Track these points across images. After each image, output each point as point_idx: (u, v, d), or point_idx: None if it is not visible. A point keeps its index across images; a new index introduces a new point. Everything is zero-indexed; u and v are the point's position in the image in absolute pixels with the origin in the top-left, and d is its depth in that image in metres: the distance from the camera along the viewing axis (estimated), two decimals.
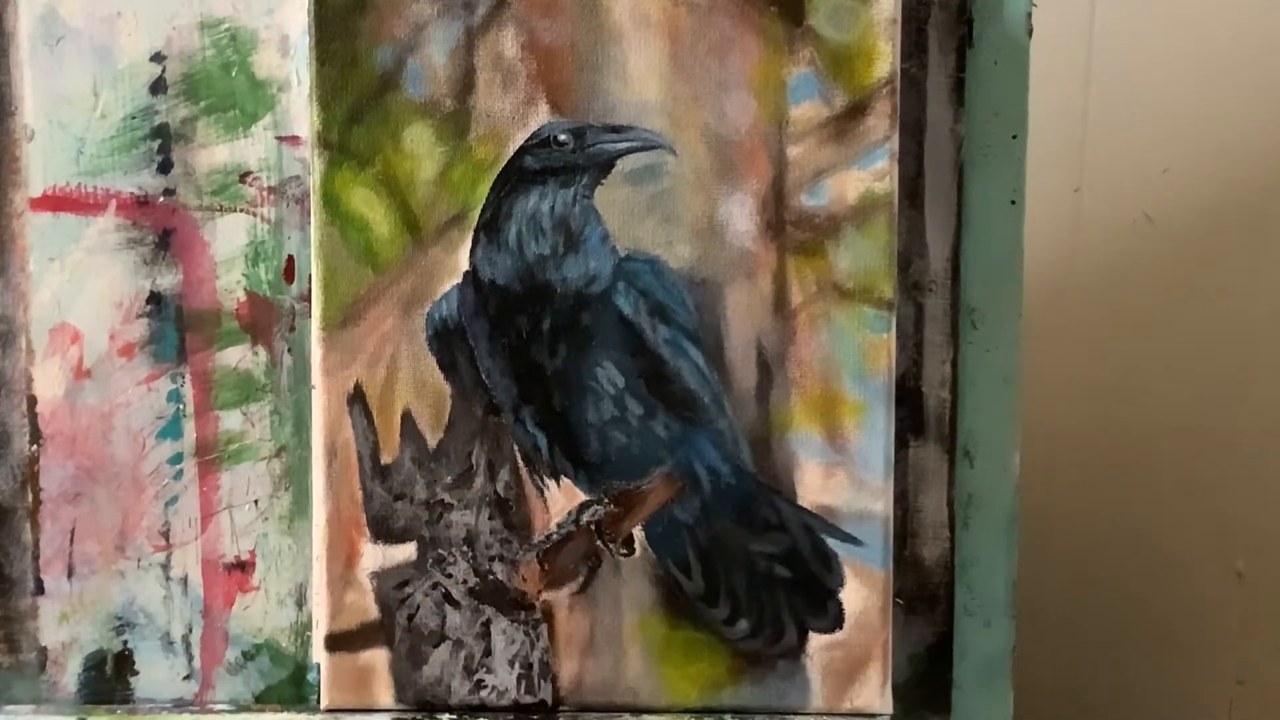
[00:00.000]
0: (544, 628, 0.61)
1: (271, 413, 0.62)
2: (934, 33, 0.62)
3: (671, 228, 0.60)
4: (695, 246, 0.60)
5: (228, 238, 0.62)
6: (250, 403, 0.62)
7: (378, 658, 0.61)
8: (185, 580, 0.62)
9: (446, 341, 0.60)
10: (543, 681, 0.61)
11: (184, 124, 0.61)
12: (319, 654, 0.61)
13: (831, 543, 0.61)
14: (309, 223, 0.60)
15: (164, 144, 0.61)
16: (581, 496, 0.61)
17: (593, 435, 0.61)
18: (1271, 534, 0.94)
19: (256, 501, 0.62)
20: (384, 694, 0.61)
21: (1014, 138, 0.62)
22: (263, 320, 0.62)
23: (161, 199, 0.62)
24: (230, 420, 0.62)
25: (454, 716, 0.61)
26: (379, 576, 0.61)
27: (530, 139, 0.60)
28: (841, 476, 0.61)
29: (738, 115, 0.60)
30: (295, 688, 0.63)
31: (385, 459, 0.60)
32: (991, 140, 0.62)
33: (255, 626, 0.63)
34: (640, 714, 0.61)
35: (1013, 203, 0.62)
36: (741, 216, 0.60)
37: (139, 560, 0.62)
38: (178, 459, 0.62)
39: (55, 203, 0.61)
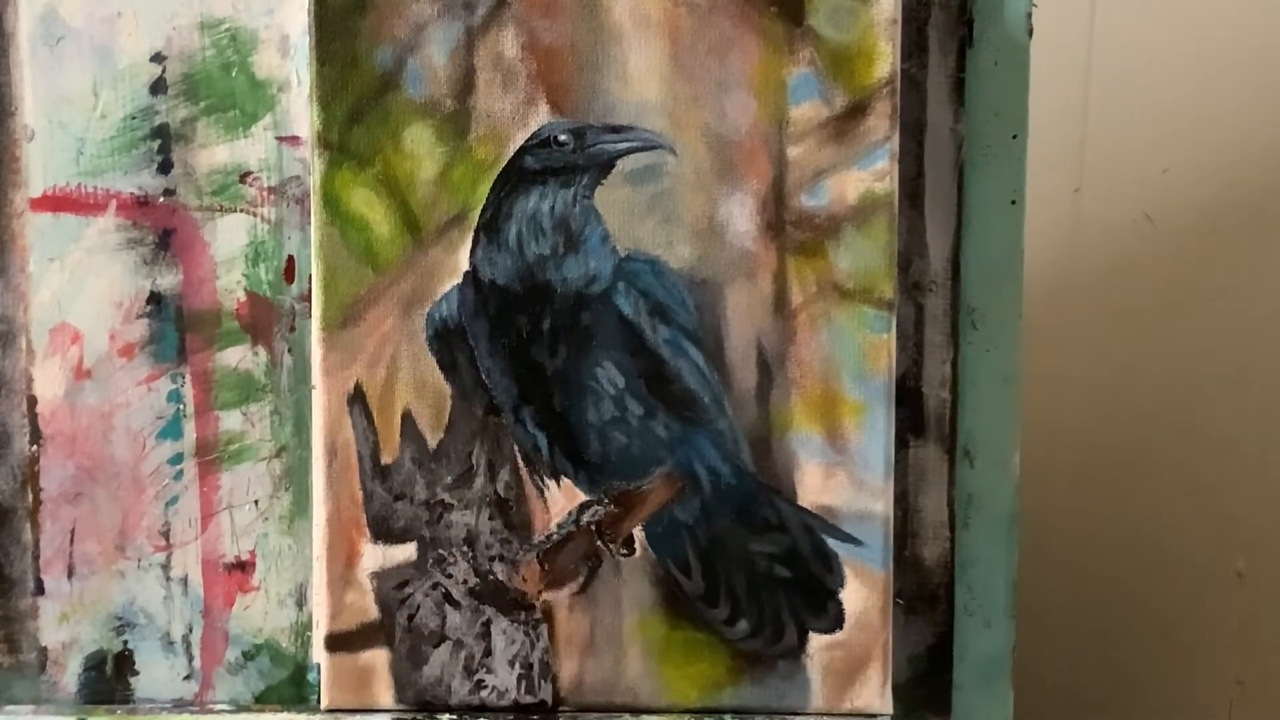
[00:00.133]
0: (544, 628, 0.61)
1: (271, 413, 0.62)
2: (934, 33, 0.62)
3: (672, 228, 0.60)
4: (695, 246, 0.60)
5: (228, 238, 0.62)
6: (250, 403, 0.62)
7: (378, 658, 0.61)
8: (185, 580, 0.62)
9: (447, 341, 0.60)
10: (543, 681, 0.61)
11: (184, 124, 0.61)
12: (319, 654, 0.61)
13: (832, 543, 0.61)
14: (309, 223, 0.60)
15: (164, 144, 0.61)
16: (581, 496, 0.61)
17: (593, 435, 0.61)
18: (1271, 534, 0.94)
19: (256, 501, 0.62)
20: (384, 694, 0.61)
21: (1014, 138, 0.62)
22: (263, 320, 0.62)
23: (161, 199, 0.62)
24: (230, 420, 0.62)
25: (454, 716, 0.61)
26: (379, 576, 0.61)
27: (530, 139, 0.60)
28: (841, 476, 0.61)
29: (738, 115, 0.60)
30: (295, 688, 0.63)
31: (385, 459, 0.60)
32: (991, 140, 0.62)
33: (255, 626, 0.63)
34: (640, 714, 0.61)
35: (1013, 203, 0.62)
36: (741, 216, 0.60)
37: (139, 560, 0.62)
38: (178, 459, 0.62)
39: (55, 203, 0.61)
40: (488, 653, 0.61)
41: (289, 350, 0.62)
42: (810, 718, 0.61)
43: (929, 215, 0.62)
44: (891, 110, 0.60)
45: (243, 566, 0.62)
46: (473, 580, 0.61)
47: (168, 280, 0.62)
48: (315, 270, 0.60)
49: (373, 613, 0.61)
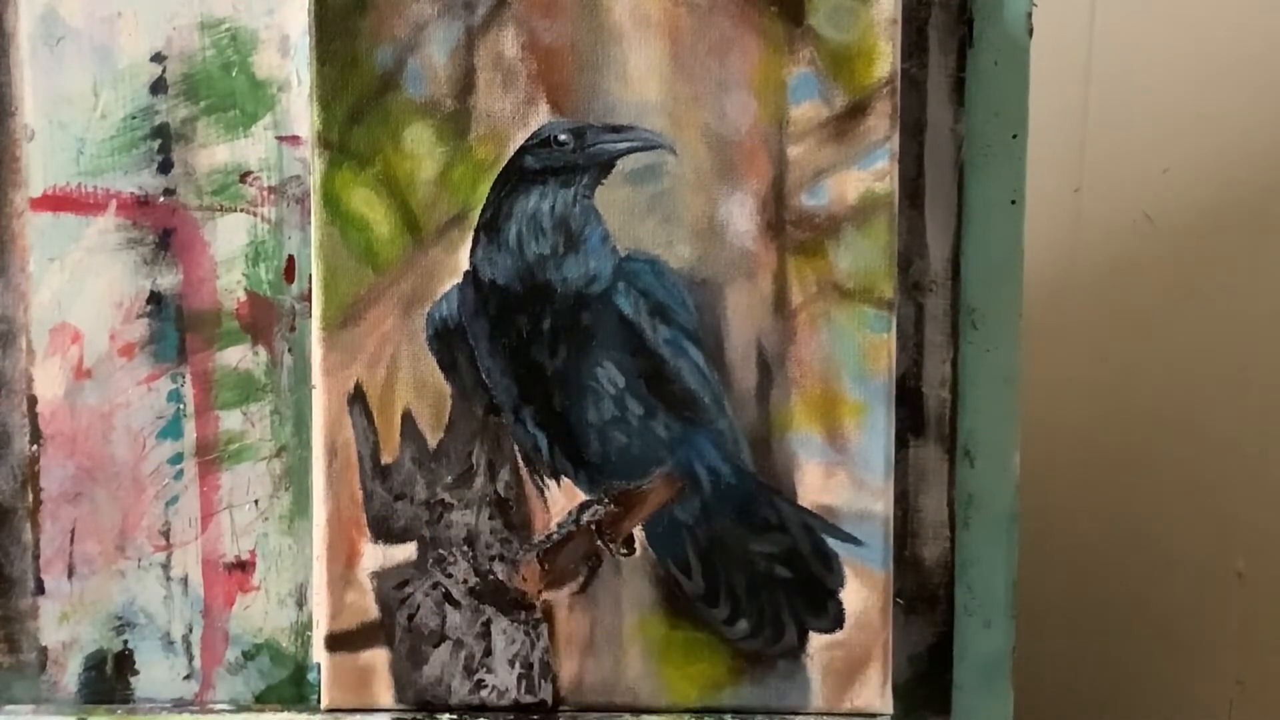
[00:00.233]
0: (544, 628, 0.61)
1: (272, 413, 0.62)
2: (934, 33, 0.62)
3: (672, 228, 0.60)
4: (695, 246, 0.60)
5: (228, 238, 0.62)
6: (250, 403, 0.62)
7: (378, 658, 0.61)
8: (185, 580, 0.62)
9: (447, 341, 0.60)
10: (543, 681, 0.61)
11: (184, 124, 0.61)
12: (319, 654, 0.61)
13: (832, 543, 0.61)
14: (309, 223, 0.60)
15: (164, 144, 0.61)
16: (581, 496, 0.61)
17: (593, 435, 0.61)
18: (1271, 534, 0.94)
19: (257, 501, 0.62)
20: (384, 694, 0.61)
21: (1014, 138, 0.62)
22: (263, 320, 0.62)
23: (161, 199, 0.62)
24: (230, 420, 0.62)
25: (454, 716, 0.61)
26: (379, 576, 0.61)
27: (530, 139, 0.60)
28: (841, 476, 0.61)
29: (738, 115, 0.60)
30: (295, 688, 0.63)
31: (385, 459, 0.60)
32: (991, 140, 0.62)
33: (255, 626, 0.63)
34: (640, 714, 0.61)
35: (1013, 203, 0.62)
36: (741, 216, 0.60)
37: (139, 560, 0.62)
38: (178, 459, 0.62)
39: (55, 203, 0.61)
40: (488, 652, 0.61)
41: (289, 350, 0.62)
42: (810, 718, 0.61)
43: (929, 215, 0.62)
44: (891, 110, 0.60)
45: (243, 566, 0.62)
46: (473, 580, 0.61)
47: (168, 280, 0.62)
48: (315, 270, 0.60)
49: (373, 612, 0.61)
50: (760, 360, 0.61)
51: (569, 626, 0.61)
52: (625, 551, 0.61)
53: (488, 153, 0.60)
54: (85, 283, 0.62)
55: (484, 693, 0.61)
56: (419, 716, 0.61)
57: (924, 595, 0.63)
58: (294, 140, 0.61)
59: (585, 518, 0.61)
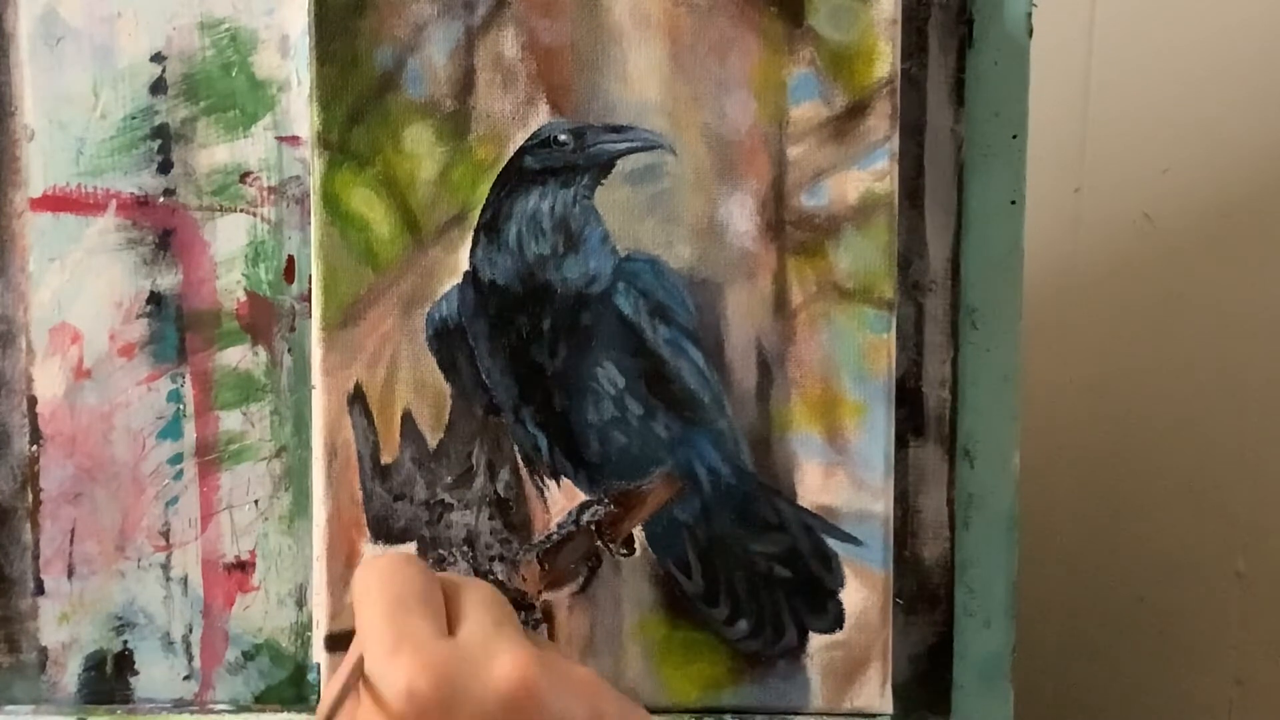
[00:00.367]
0: (544, 628, 0.61)
1: (271, 413, 0.62)
2: (934, 33, 0.62)
3: (671, 228, 0.60)
4: (695, 246, 0.60)
5: (228, 238, 0.62)
6: (250, 403, 0.62)
7: None
8: (185, 580, 0.62)
9: (446, 341, 0.60)
10: None
11: (184, 124, 0.61)
12: (319, 654, 0.61)
13: (831, 543, 0.61)
14: (309, 223, 0.60)
15: (164, 144, 0.61)
16: (581, 496, 0.61)
17: (593, 435, 0.61)
18: (1271, 534, 0.94)
19: (256, 501, 0.62)
20: None
21: (1014, 138, 0.62)
22: (263, 320, 0.62)
23: (161, 199, 0.62)
24: (230, 420, 0.62)
25: None
26: None
27: (530, 139, 0.60)
28: (841, 476, 0.61)
29: (738, 115, 0.60)
30: (295, 688, 0.63)
31: (385, 459, 0.60)
32: (991, 140, 0.62)
33: (255, 626, 0.63)
34: None
35: (1013, 203, 0.62)
36: (741, 216, 0.60)
37: (139, 560, 0.62)
38: (178, 459, 0.62)
39: (55, 203, 0.61)
40: None
41: (289, 350, 0.62)
42: (810, 717, 0.61)
43: (929, 215, 0.62)
44: (891, 110, 0.60)
45: (243, 566, 0.62)
46: None
47: (168, 280, 0.62)
48: (315, 270, 0.60)
49: None
50: (760, 360, 0.61)
51: (569, 627, 0.61)
52: (625, 552, 0.61)
53: (488, 153, 0.60)
54: (85, 283, 0.62)
55: None
56: None
57: (924, 595, 0.63)
58: (294, 140, 0.61)
59: (585, 518, 0.61)
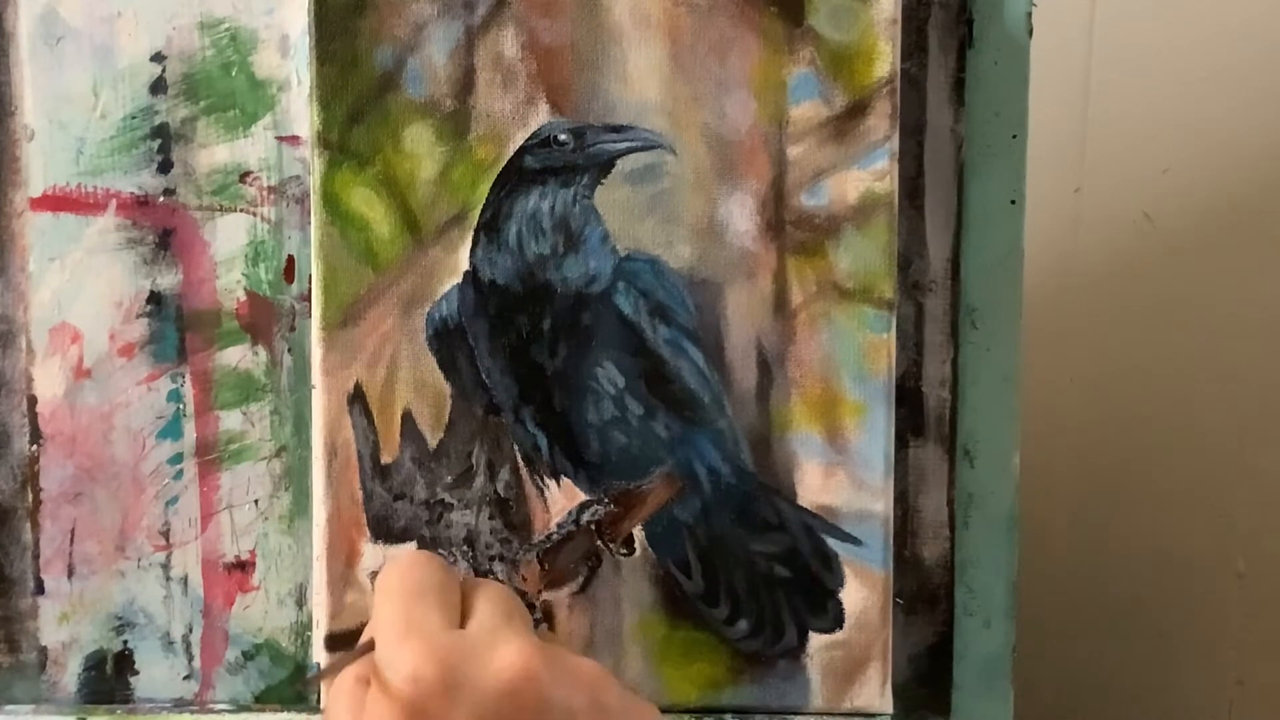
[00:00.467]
0: (544, 628, 0.61)
1: (271, 413, 0.62)
2: (934, 33, 0.62)
3: (671, 228, 0.60)
4: (695, 246, 0.60)
5: (228, 238, 0.62)
6: (250, 403, 0.62)
7: None
8: (185, 580, 0.62)
9: (446, 341, 0.60)
10: None
11: (184, 124, 0.61)
12: (319, 654, 0.61)
13: (831, 543, 0.61)
14: (309, 223, 0.60)
15: (164, 144, 0.61)
16: (581, 496, 0.61)
17: (593, 435, 0.61)
18: (1271, 534, 0.94)
19: (256, 501, 0.62)
20: None
21: (1014, 138, 0.62)
22: (263, 320, 0.62)
23: (161, 199, 0.62)
24: (230, 420, 0.62)
25: None
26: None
27: (530, 139, 0.60)
28: (841, 476, 0.61)
29: (738, 115, 0.60)
30: (295, 688, 0.63)
31: (385, 459, 0.60)
32: (991, 140, 0.62)
33: (255, 626, 0.63)
34: None
35: (1013, 203, 0.62)
36: (741, 216, 0.60)
37: (139, 560, 0.62)
38: (178, 459, 0.62)
39: (55, 203, 0.61)
40: None
41: (289, 350, 0.62)
42: (810, 717, 0.61)
43: (929, 215, 0.62)
44: (891, 110, 0.60)
45: (243, 566, 0.62)
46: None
47: (168, 280, 0.62)
48: (315, 270, 0.60)
49: None
50: (760, 360, 0.61)
51: (569, 626, 0.61)
52: (625, 551, 0.61)
53: (488, 153, 0.60)
54: (85, 283, 0.62)
55: None
56: None
57: (924, 595, 0.63)
58: (294, 140, 0.62)
59: (585, 518, 0.61)
